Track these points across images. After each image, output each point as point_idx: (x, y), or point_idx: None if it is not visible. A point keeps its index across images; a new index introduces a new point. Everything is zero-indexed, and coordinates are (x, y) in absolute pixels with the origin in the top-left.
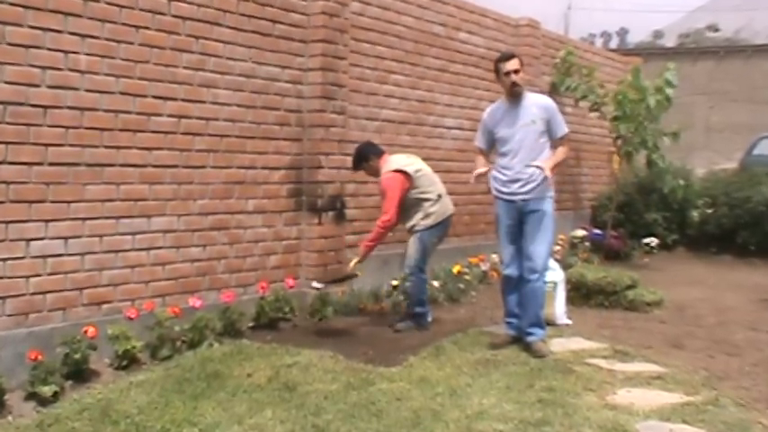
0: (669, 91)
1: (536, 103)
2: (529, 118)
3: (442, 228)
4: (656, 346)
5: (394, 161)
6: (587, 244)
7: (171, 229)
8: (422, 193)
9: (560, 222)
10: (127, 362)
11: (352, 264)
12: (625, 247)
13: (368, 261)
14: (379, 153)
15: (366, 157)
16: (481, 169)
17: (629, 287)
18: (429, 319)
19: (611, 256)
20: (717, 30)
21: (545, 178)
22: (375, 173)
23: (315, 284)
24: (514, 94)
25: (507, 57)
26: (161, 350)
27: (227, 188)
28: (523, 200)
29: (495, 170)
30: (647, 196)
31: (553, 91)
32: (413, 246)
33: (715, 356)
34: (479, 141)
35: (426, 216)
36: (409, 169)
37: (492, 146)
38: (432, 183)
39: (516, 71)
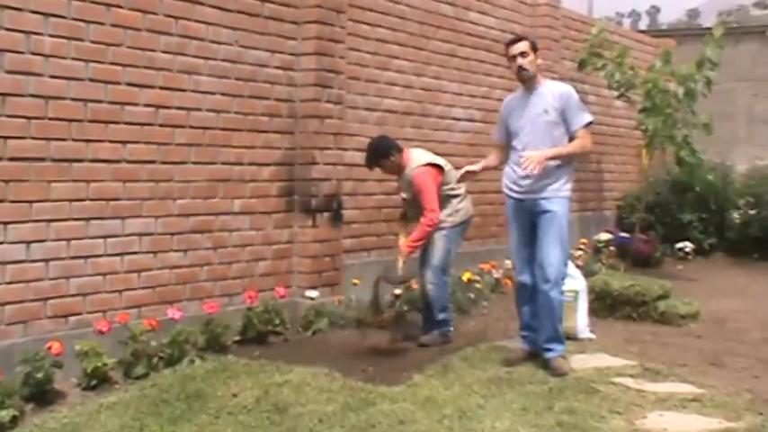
0: (710, 73)
1: (551, 91)
2: (541, 107)
3: (466, 228)
4: (691, 364)
5: (422, 155)
6: (612, 249)
7: (147, 232)
8: (451, 189)
9: (583, 225)
10: (97, 381)
11: (400, 265)
12: (655, 253)
13: (368, 267)
14: (400, 148)
15: (386, 152)
16: (472, 167)
17: (661, 297)
18: (452, 327)
19: (640, 262)
20: (766, 6)
21: (534, 167)
22: (396, 170)
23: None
24: (523, 79)
25: (515, 39)
26: (136, 368)
27: (211, 186)
28: (534, 199)
29: (508, 166)
30: (680, 195)
31: (580, 68)
32: (437, 244)
33: (760, 376)
34: (495, 133)
35: (454, 212)
36: (441, 162)
37: (512, 139)
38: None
39: (524, 54)
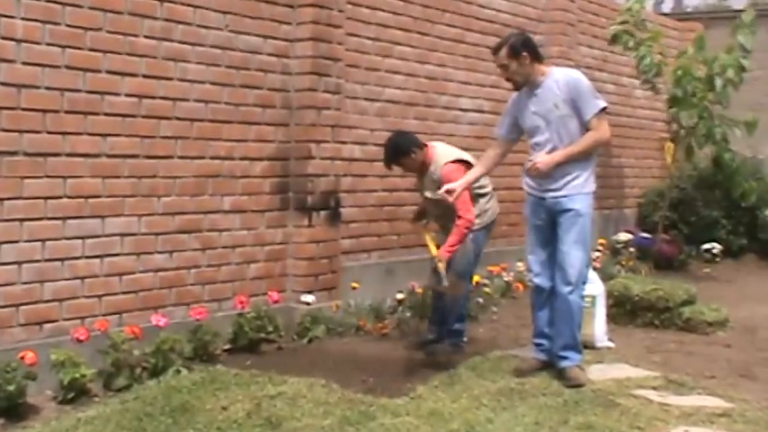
0: (743, 60)
1: (557, 81)
2: (550, 102)
3: (492, 228)
4: (719, 376)
5: (448, 150)
6: (633, 250)
7: (130, 233)
8: (480, 187)
9: (600, 224)
10: (74, 394)
11: (443, 272)
12: (680, 254)
13: (368, 270)
14: (422, 144)
15: (407, 149)
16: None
17: (686, 303)
18: (465, 338)
19: (663, 264)
20: None
21: (539, 172)
22: (418, 167)
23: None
24: (517, 88)
25: (493, 49)
26: (117, 379)
27: (199, 183)
28: (554, 197)
29: (528, 163)
30: (707, 192)
31: (611, 43)
32: (462, 248)
33: None
34: (500, 128)
35: (482, 213)
36: (469, 159)
37: (517, 137)
38: (486, 176)
39: (504, 66)
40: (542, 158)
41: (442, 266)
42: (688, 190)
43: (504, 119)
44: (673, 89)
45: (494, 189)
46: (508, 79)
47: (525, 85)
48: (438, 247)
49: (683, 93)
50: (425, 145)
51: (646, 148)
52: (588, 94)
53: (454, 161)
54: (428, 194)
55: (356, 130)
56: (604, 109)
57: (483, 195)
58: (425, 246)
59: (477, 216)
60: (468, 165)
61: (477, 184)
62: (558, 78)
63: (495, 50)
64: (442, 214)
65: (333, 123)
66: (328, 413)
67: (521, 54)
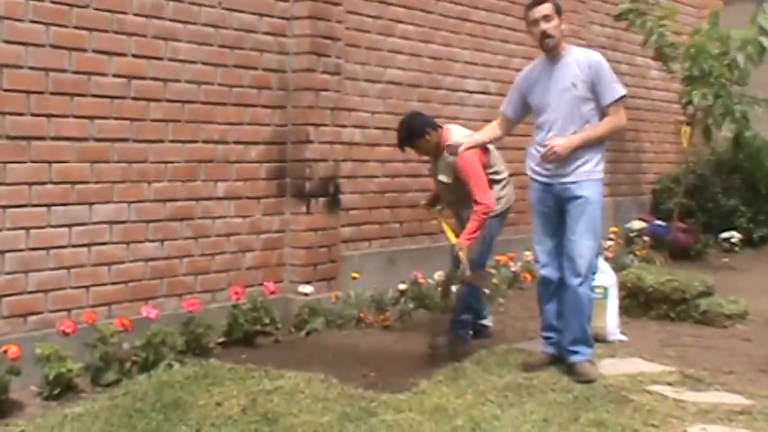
0: (764, 40)
1: (578, 61)
2: (568, 80)
3: (508, 216)
4: (738, 371)
5: (463, 133)
6: (647, 239)
7: (119, 220)
8: (495, 172)
9: (613, 212)
10: (60, 389)
11: (465, 261)
12: (696, 243)
13: (369, 260)
14: (436, 125)
15: (421, 131)
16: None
17: (703, 294)
18: (471, 332)
19: (679, 254)
20: None
21: (556, 156)
22: (432, 151)
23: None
24: (547, 48)
25: (537, 1)
26: (105, 374)
27: (191, 168)
28: (562, 183)
29: (532, 146)
30: (726, 178)
31: (617, 19)
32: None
33: None
34: (505, 105)
35: (497, 200)
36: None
37: (523, 115)
38: (500, 160)
39: (547, 17)
40: (559, 142)
41: (463, 255)
42: (705, 175)
43: (511, 94)
44: (688, 69)
45: (510, 176)
46: (543, 35)
47: (551, 51)
48: (457, 235)
49: (699, 71)
50: (440, 126)
51: (661, 132)
52: (610, 78)
53: None
54: (442, 179)
55: (356, 112)
56: (623, 97)
57: (498, 182)
58: (443, 233)
59: None
60: (484, 148)
61: (492, 170)
62: (579, 58)
63: (536, 3)
64: (455, 200)
65: (332, 106)
66: (327, 409)
67: (560, 14)
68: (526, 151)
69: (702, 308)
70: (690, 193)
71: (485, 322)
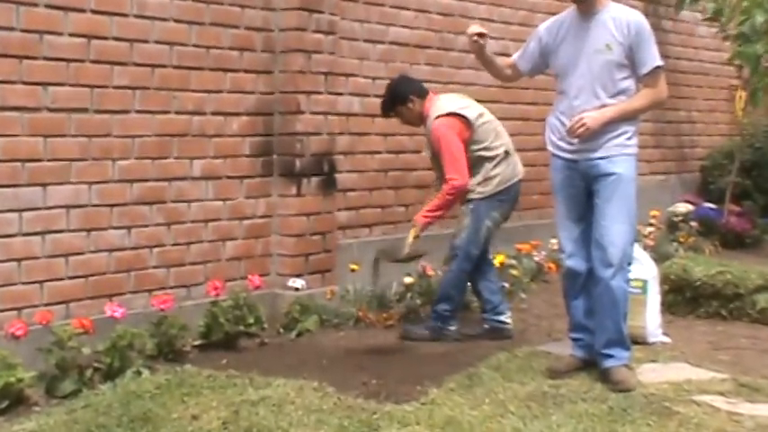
0: None
1: (615, 19)
2: (601, 41)
3: (508, 198)
4: None
5: (446, 102)
6: (694, 224)
7: (78, 204)
8: (485, 148)
9: (653, 192)
10: (9, 402)
11: (410, 238)
12: (753, 230)
13: (370, 249)
14: (423, 92)
15: (404, 96)
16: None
17: (760, 289)
18: (453, 327)
19: (732, 242)
20: None
21: (586, 129)
22: (415, 119)
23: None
24: (577, 0)
25: None
26: (62, 383)
27: (163, 143)
28: (590, 159)
29: (553, 116)
30: None
31: None
32: (463, 222)
33: None
34: (518, 55)
35: (486, 180)
36: (468, 113)
37: (537, 72)
38: (497, 134)
39: None
40: (591, 114)
41: (413, 232)
42: (764, 149)
43: (529, 45)
44: (739, 25)
45: (512, 151)
46: None
47: (582, 4)
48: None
49: (750, 28)
50: (428, 93)
51: (711, 99)
52: (651, 43)
53: (448, 114)
54: (426, 153)
55: (354, 78)
56: (661, 67)
57: (490, 159)
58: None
59: (479, 184)
60: (464, 120)
61: (481, 145)
62: (617, 16)
63: None
64: (440, 177)
65: (326, 70)
66: (322, 422)
67: None
68: (546, 122)
69: (760, 305)
70: (745, 170)
71: (503, 318)
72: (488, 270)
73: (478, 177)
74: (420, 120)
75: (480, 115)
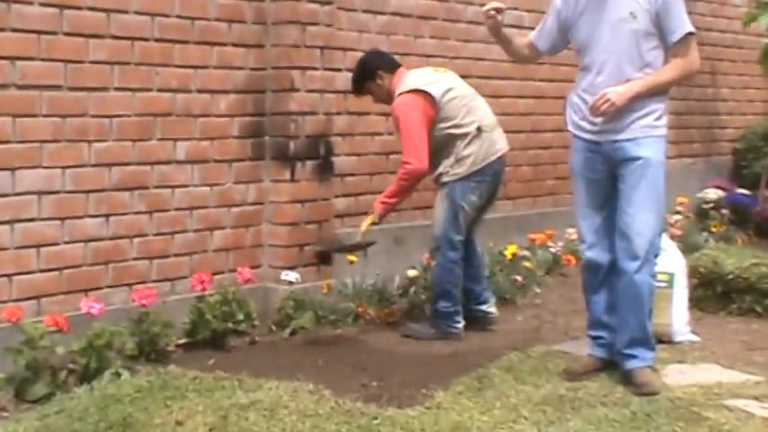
0: None
1: None
2: (625, 9)
3: (487, 179)
4: None
5: (411, 78)
6: (726, 212)
7: (50, 190)
8: (454, 126)
9: (680, 177)
10: None
11: (364, 226)
12: None
13: (370, 239)
14: (393, 66)
15: (372, 72)
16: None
17: None
18: (460, 324)
19: (767, 231)
20: None
21: (611, 105)
22: (385, 97)
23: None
24: None
25: None
26: (34, 386)
27: (144, 124)
28: (615, 141)
29: (574, 93)
30: None
31: None
32: (439, 207)
33: None
34: (536, 34)
35: (459, 161)
36: (433, 89)
37: (558, 50)
38: (469, 110)
39: None
40: (616, 89)
41: (369, 219)
42: None
43: (546, 21)
44: None
45: (488, 127)
46: None
47: None
48: None
49: None
50: (399, 67)
51: (745, 75)
52: (680, 7)
53: (410, 91)
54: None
55: (353, 52)
56: (693, 34)
57: (461, 137)
58: None
59: (452, 165)
60: (428, 97)
61: (451, 122)
62: None
63: None
64: None
65: (322, 44)
66: (318, 428)
67: None
68: (566, 100)
69: None
70: None
71: (485, 308)
72: (471, 255)
73: (451, 158)
74: (390, 97)
75: (448, 90)
